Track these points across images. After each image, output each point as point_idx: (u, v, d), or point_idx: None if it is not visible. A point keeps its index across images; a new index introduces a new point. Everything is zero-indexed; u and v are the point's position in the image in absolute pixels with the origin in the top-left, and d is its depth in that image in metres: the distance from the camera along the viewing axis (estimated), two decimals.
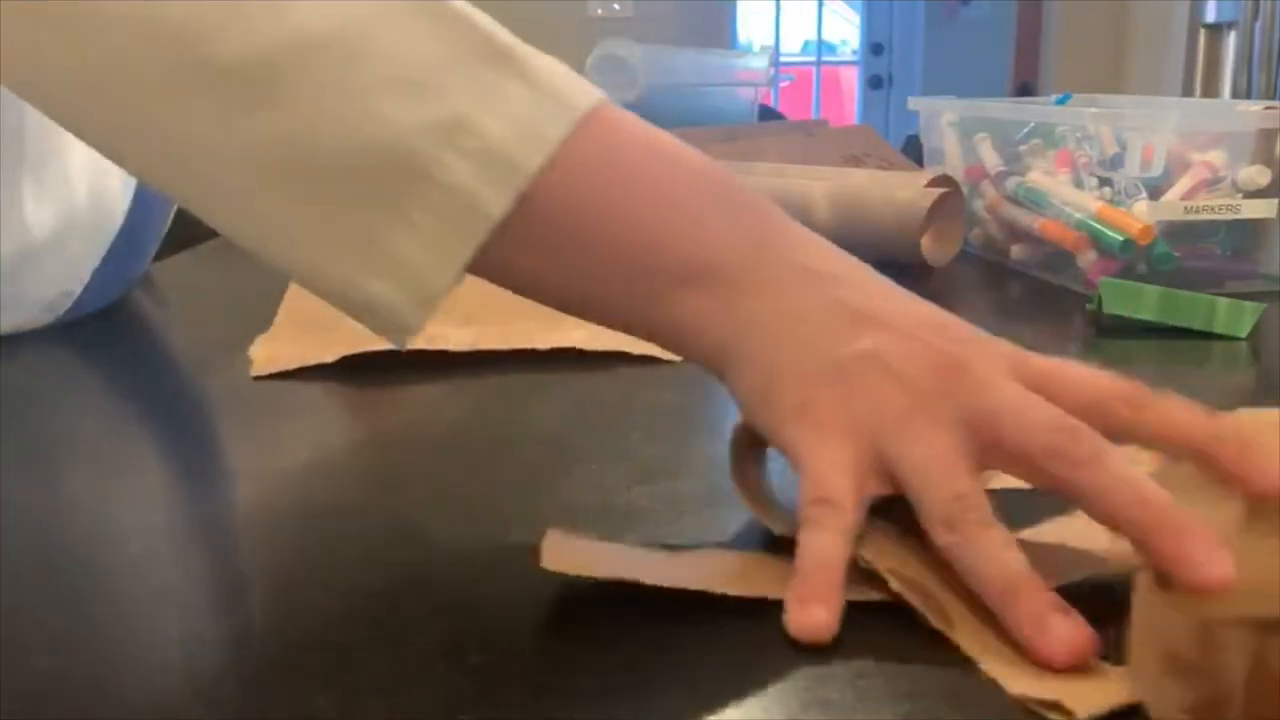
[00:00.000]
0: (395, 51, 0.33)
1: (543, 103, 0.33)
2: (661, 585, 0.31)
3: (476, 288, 0.48)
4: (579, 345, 0.55)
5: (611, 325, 0.37)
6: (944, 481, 0.32)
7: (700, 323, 0.34)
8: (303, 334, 0.58)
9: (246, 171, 0.33)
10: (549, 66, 0.34)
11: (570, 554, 0.33)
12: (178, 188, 0.35)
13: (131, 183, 0.64)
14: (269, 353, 0.56)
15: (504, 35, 0.34)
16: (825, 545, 0.31)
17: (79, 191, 0.61)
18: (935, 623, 0.29)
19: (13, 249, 0.58)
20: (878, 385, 0.33)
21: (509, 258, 0.34)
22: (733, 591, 0.31)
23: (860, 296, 0.36)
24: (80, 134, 0.36)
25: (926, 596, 0.31)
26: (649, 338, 0.36)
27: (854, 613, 0.30)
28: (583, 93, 0.34)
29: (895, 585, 0.31)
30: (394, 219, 0.33)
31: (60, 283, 0.61)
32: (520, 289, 0.36)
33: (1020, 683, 0.27)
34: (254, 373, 0.53)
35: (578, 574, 0.32)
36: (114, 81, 0.33)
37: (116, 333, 0.63)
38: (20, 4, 0.32)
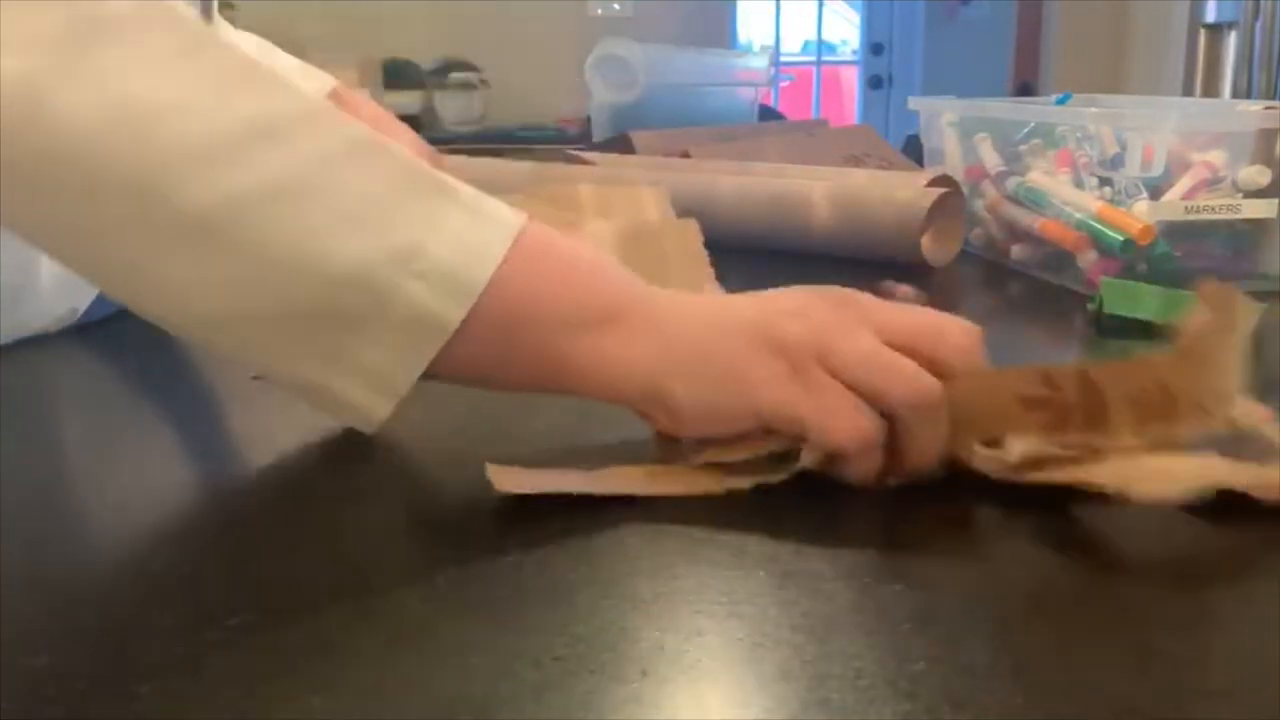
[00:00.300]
0: (347, 192, 0.38)
1: (483, 225, 0.39)
2: (610, 494, 0.36)
3: None
4: None
5: (538, 389, 0.42)
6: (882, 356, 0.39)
7: (619, 354, 0.40)
8: None
9: (225, 305, 0.38)
10: (477, 193, 0.40)
11: (518, 478, 0.38)
12: (164, 317, 0.41)
13: None
14: None
15: (434, 171, 0.40)
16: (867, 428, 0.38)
17: None
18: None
19: (17, 274, 0.58)
20: (790, 329, 0.39)
21: (460, 354, 0.39)
22: (678, 491, 0.38)
23: (737, 300, 0.43)
24: (77, 271, 0.41)
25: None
26: (547, 385, 0.41)
27: (855, 612, 0.31)
28: (511, 213, 0.40)
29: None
30: (361, 337, 0.38)
31: (67, 300, 0.61)
32: (468, 380, 0.42)
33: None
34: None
35: (529, 492, 0.37)
36: (97, 232, 0.37)
37: (117, 332, 0.63)
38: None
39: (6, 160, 0.35)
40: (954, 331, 0.41)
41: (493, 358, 0.41)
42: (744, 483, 0.39)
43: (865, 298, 0.41)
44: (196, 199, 0.36)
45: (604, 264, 0.43)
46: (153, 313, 0.41)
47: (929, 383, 0.38)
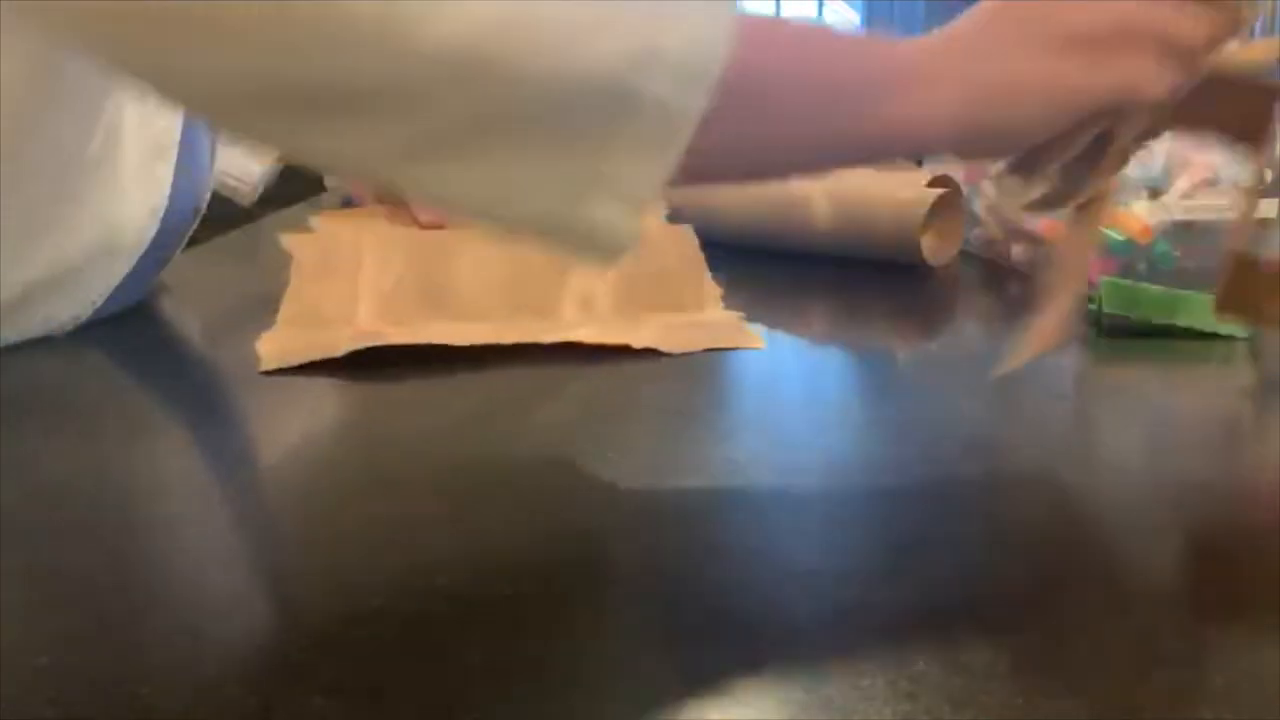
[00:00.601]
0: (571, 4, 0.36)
1: (706, 15, 0.37)
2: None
3: (483, 286, 0.51)
4: (583, 340, 0.56)
5: (819, 166, 0.44)
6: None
7: (930, 109, 0.40)
8: (308, 329, 0.59)
9: (473, 140, 0.36)
10: None
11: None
12: (401, 171, 0.37)
13: (159, 211, 0.64)
14: (276, 348, 0.56)
15: None
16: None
17: (104, 226, 0.61)
18: None
19: (16, 287, 0.57)
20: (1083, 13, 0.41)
21: (714, 145, 0.37)
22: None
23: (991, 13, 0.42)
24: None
25: None
26: (866, 155, 0.41)
27: (855, 612, 0.31)
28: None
29: None
30: (609, 143, 0.36)
31: (72, 309, 0.61)
32: (727, 170, 0.41)
33: None
34: (262, 367, 0.53)
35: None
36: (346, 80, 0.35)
37: (121, 331, 0.63)
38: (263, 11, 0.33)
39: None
40: None
41: (749, 139, 0.39)
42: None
43: None
44: (439, 32, 0.34)
45: (849, 37, 0.43)
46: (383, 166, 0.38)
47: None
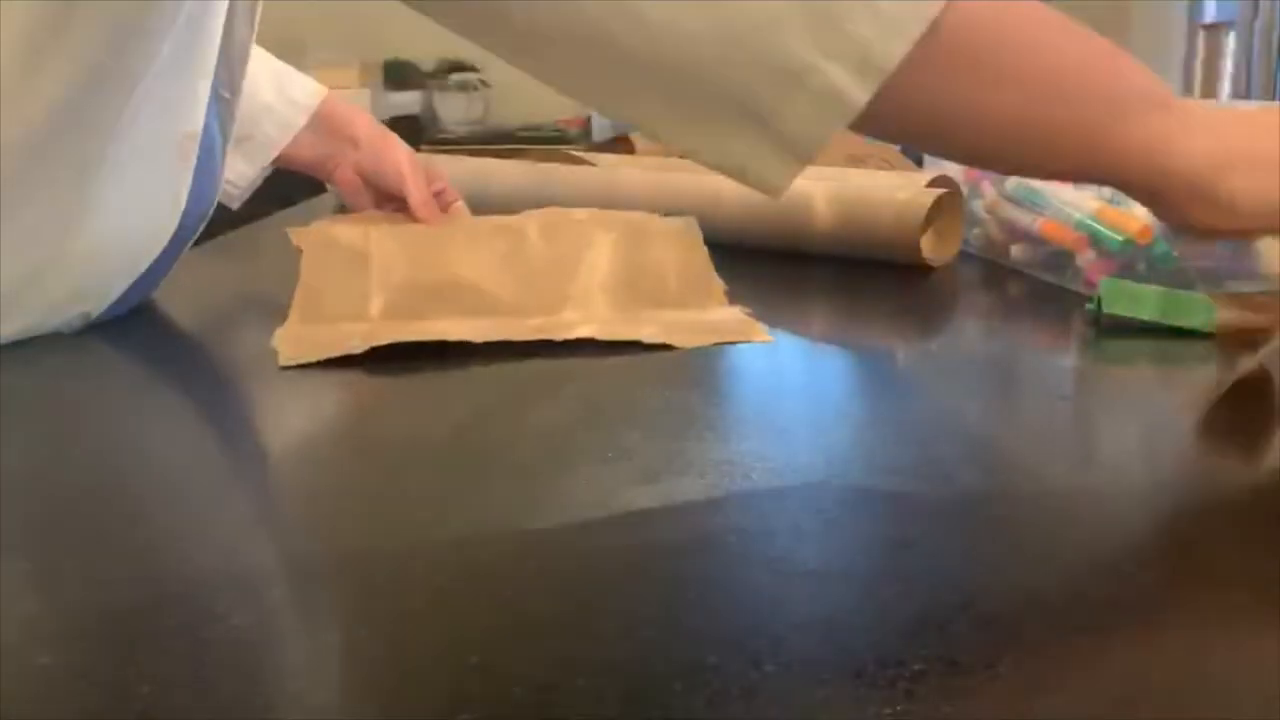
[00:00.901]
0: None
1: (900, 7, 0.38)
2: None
3: (488, 282, 0.53)
4: (592, 335, 0.56)
5: (1037, 160, 0.44)
6: None
7: (1174, 138, 0.41)
8: (322, 325, 0.59)
9: (685, 93, 0.40)
10: None
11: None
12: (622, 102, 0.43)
13: (179, 212, 0.64)
14: (293, 343, 0.56)
15: None
16: None
17: (124, 224, 0.60)
18: None
19: (30, 282, 0.57)
20: None
21: (919, 91, 0.40)
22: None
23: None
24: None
25: None
26: (1090, 164, 0.43)
27: (855, 612, 0.31)
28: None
29: None
30: (777, 112, 0.39)
31: (84, 306, 0.61)
32: (920, 126, 0.43)
33: None
34: (281, 363, 0.53)
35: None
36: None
37: (121, 330, 0.63)
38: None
39: None
40: None
41: (970, 93, 0.41)
42: None
43: None
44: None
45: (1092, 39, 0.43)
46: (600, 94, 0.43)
47: None
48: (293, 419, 0.49)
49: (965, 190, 0.83)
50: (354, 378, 0.53)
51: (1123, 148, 0.42)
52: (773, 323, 0.61)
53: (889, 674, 0.27)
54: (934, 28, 0.38)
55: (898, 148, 1.20)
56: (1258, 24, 2.57)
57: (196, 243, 0.82)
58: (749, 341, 0.57)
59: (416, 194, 0.79)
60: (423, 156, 0.87)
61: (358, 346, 0.54)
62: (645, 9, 0.38)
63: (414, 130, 2.37)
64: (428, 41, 2.82)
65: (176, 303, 0.72)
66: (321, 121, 0.83)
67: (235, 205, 0.83)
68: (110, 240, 0.59)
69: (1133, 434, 0.48)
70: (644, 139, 1.13)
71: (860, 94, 0.38)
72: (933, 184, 0.80)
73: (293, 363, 0.53)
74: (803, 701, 0.27)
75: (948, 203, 0.80)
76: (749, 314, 0.62)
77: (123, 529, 0.38)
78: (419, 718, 0.26)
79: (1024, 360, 0.63)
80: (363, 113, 0.88)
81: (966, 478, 0.41)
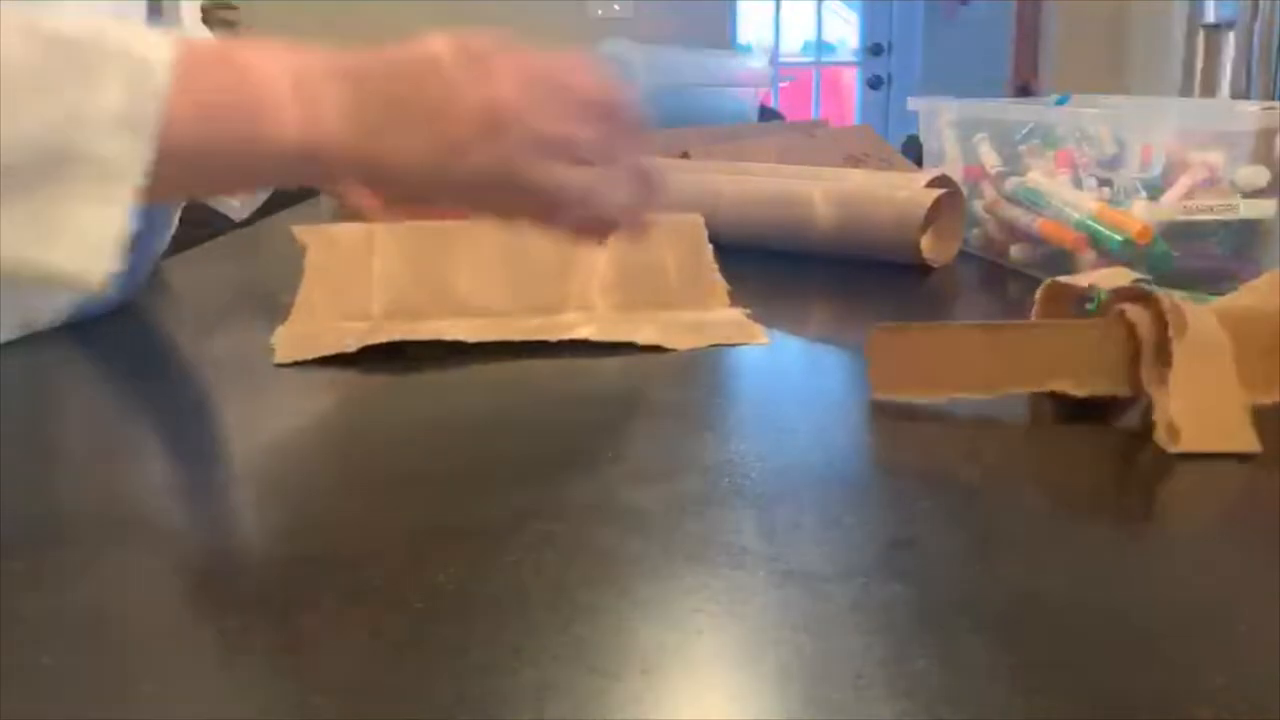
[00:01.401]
0: (13, 72, 0.40)
1: (145, 71, 0.41)
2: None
3: (487, 282, 0.53)
4: (588, 337, 0.57)
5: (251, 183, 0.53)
6: None
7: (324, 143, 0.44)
8: (322, 323, 0.59)
9: None
10: (132, 37, 0.42)
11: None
12: None
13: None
14: (291, 342, 0.56)
15: (77, 31, 0.41)
16: None
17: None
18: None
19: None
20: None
21: (164, 184, 0.42)
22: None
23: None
24: None
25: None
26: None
27: (855, 612, 0.31)
28: (166, 49, 0.42)
29: None
30: (57, 200, 0.40)
31: (53, 304, 0.61)
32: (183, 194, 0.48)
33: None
34: (276, 360, 0.53)
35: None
36: None
37: (120, 330, 0.63)
38: None
39: None
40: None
41: (198, 175, 0.46)
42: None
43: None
44: None
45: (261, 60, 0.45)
46: None
47: None
48: (287, 418, 0.49)
49: (965, 190, 0.83)
50: (351, 376, 0.53)
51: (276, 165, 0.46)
52: (772, 323, 0.61)
53: (889, 673, 0.28)
54: None
55: (898, 147, 1.20)
56: (1258, 24, 2.57)
57: (196, 242, 0.82)
58: (747, 344, 0.57)
59: None
60: None
61: (351, 345, 0.54)
62: None
63: None
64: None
65: (175, 302, 0.72)
66: None
67: (238, 217, 0.82)
68: None
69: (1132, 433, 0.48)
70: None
71: None
72: (932, 184, 0.80)
73: (288, 361, 0.53)
74: (804, 701, 0.27)
75: (948, 202, 0.80)
76: (750, 315, 0.62)
77: (121, 530, 0.38)
78: (418, 717, 0.26)
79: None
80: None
81: (967, 477, 0.41)
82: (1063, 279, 0.52)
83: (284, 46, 0.46)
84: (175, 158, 0.42)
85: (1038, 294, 0.53)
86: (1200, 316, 0.43)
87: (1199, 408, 0.42)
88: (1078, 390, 0.46)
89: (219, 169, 0.45)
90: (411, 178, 0.46)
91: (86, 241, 0.41)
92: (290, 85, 0.44)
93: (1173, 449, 0.41)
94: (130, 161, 0.41)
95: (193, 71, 0.43)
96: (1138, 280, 0.50)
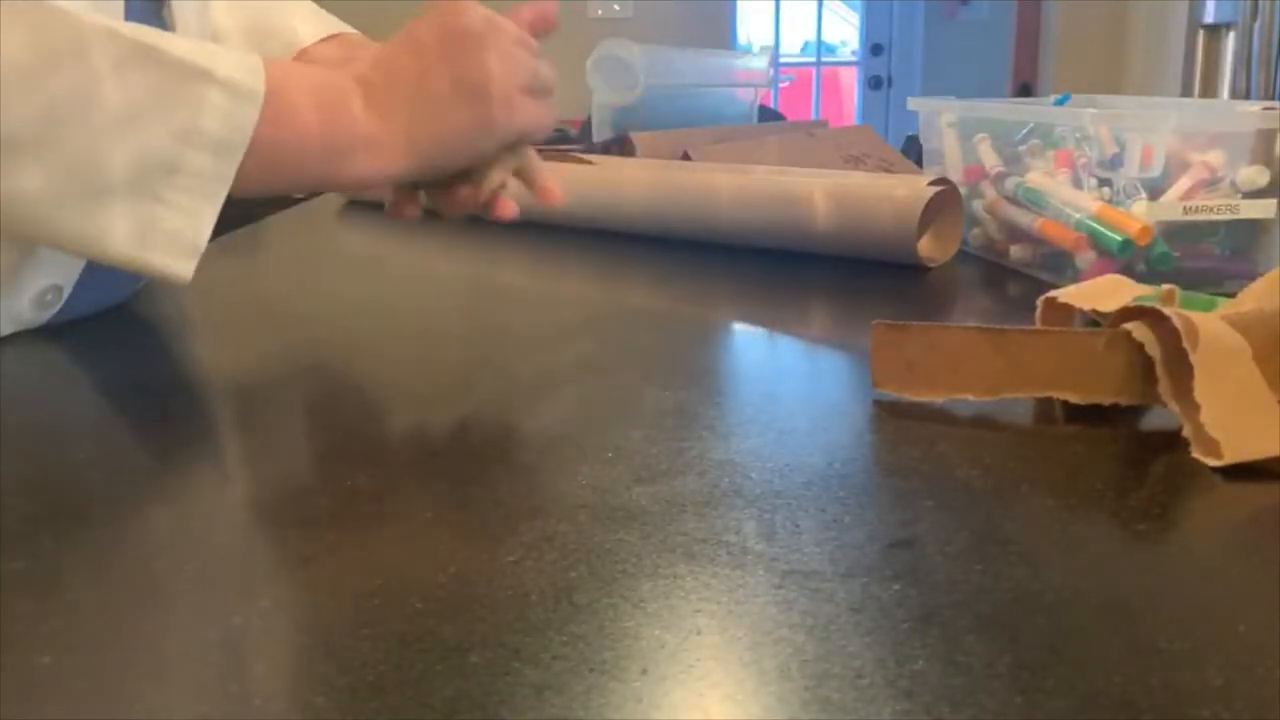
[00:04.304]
0: (120, 95, 0.48)
1: (239, 97, 0.50)
2: None
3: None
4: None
5: (301, 189, 0.57)
6: None
7: (383, 167, 0.56)
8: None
9: (45, 207, 0.48)
10: (235, 65, 0.50)
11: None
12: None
13: None
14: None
15: (184, 52, 0.49)
16: None
17: None
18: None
19: None
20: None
21: (243, 187, 0.51)
22: None
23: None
24: None
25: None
26: (325, 186, 0.58)
27: (855, 612, 0.31)
28: (251, 74, 0.51)
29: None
30: (157, 207, 0.49)
31: (49, 275, 0.61)
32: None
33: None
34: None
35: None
36: None
37: (119, 329, 0.63)
38: None
39: None
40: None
41: (275, 185, 0.54)
42: None
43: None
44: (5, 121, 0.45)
45: (338, 98, 0.55)
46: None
47: None
48: (284, 419, 0.49)
49: (965, 191, 0.83)
50: (339, 381, 0.53)
51: (355, 183, 0.57)
52: (772, 322, 0.61)
53: (888, 673, 0.28)
54: None
55: (898, 147, 1.20)
56: (1258, 24, 2.57)
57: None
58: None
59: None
60: None
61: None
62: None
63: None
64: None
65: (175, 302, 0.72)
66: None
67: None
68: None
69: (1134, 433, 0.48)
70: (644, 143, 1.13)
71: None
72: (931, 184, 0.80)
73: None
74: (803, 701, 0.27)
75: (947, 202, 0.80)
76: (750, 316, 0.62)
77: (120, 529, 0.38)
78: (418, 717, 0.26)
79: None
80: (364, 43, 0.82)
81: (966, 477, 0.41)
82: (1061, 297, 0.52)
83: (354, 75, 0.56)
84: (252, 184, 0.52)
85: (1038, 307, 0.53)
86: (1211, 323, 0.43)
87: (1231, 417, 0.41)
88: (1079, 399, 0.46)
89: (292, 187, 0.55)
90: (453, 173, 0.59)
91: (180, 246, 0.50)
92: (363, 134, 0.54)
93: (1214, 463, 0.41)
94: (220, 180, 0.50)
95: (279, 110, 0.52)
96: (1138, 299, 0.49)
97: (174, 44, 0.49)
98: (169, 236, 0.50)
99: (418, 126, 0.55)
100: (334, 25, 0.83)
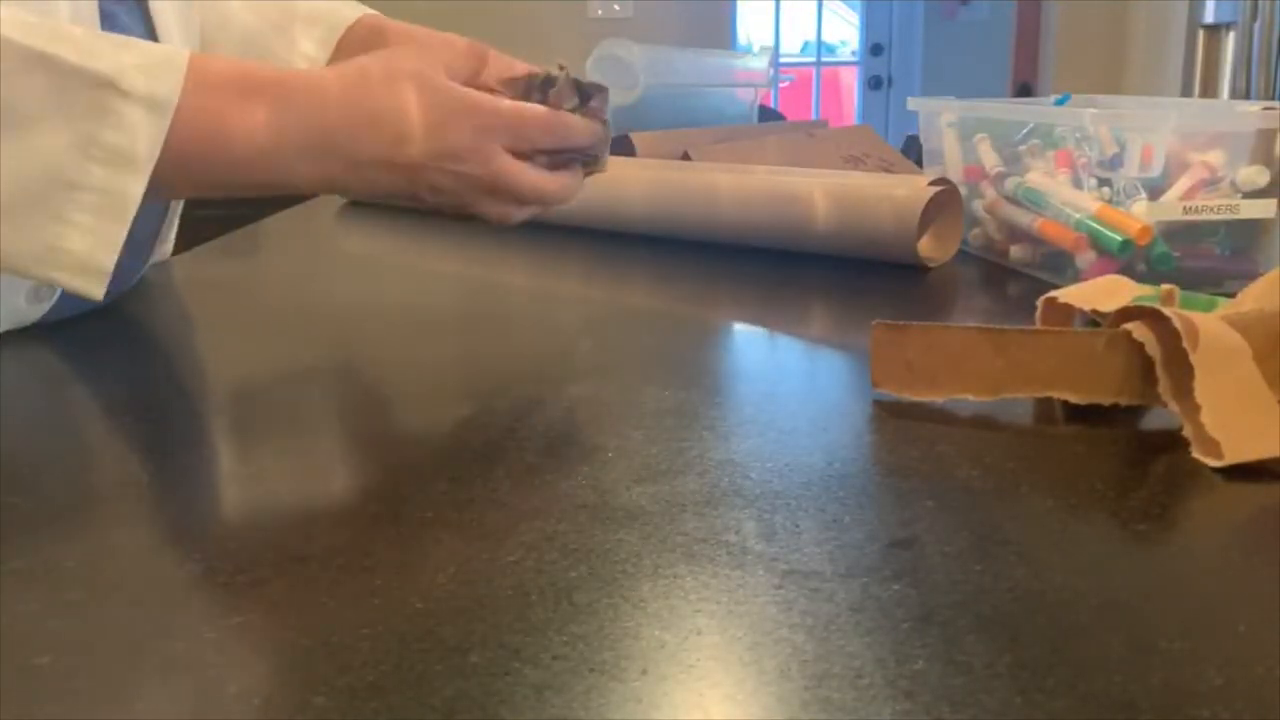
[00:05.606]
0: (15, 98, 0.44)
1: (147, 109, 0.46)
2: None
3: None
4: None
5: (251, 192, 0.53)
6: None
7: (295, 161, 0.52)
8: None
9: None
10: (139, 66, 0.47)
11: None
12: None
13: None
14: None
15: (98, 64, 0.46)
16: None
17: None
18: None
19: None
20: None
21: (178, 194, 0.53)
22: None
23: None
24: None
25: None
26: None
27: (855, 612, 0.31)
28: (165, 80, 0.47)
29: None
30: (61, 225, 0.47)
31: (35, 301, 0.61)
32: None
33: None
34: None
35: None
36: None
37: (117, 329, 0.63)
38: None
39: None
40: None
41: (216, 190, 0.51)
42: None
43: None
44: None
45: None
46: None
47: None
48: (282, 419, 0.49)
49: (964, 191, 0.83)
50: (337, 383, 0.53)
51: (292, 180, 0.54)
52: (772, 322, 0.61)
53: (888, 673, 0.28)
54: None
55: (898, 147, 1.20)
56: (1258, 24, 2.57)
57: (196, 242, 0.82)
58: None
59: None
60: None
61: None
62: None
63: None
64: None
65: (174, 302, 0.73)
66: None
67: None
68: None
69: (1134, 433, 0.48)
70: (643, 143, 1.13)
71: None
72: (931, 184, 0.80)
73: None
74: (803, 701, 0.27)
75: (947, 202, 0.80)
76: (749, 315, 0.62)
77: (119, 529, 0.38)
78: (418, 717, 0.26)
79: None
80: (410, 27, 0.78)
81: (966, 477, 0.41)
82: (1061, 297, 0.52)
83: (269, 81, 0.51)
84: (164, 188, 0.49)
85: (1038, 308, 0.53)
86: (1211, 323, 0.43)
87: (1231, 417, 0.41)
88: (1079, 399, 0.46)
89: (204, 192, 0.52)
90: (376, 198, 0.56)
91: (83, 266, 0.47)
92: (266, 142, 0.50)
93: (1214, 463, 0.41)
94: (126, 198, 0.47)
95: (188, 118, 0.48)
96: (1138, 299, 0.49)
97: (80, 50, 0.46)
98: (71, 256, 0.47)
99: (329, 149, 0.52)
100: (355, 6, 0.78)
